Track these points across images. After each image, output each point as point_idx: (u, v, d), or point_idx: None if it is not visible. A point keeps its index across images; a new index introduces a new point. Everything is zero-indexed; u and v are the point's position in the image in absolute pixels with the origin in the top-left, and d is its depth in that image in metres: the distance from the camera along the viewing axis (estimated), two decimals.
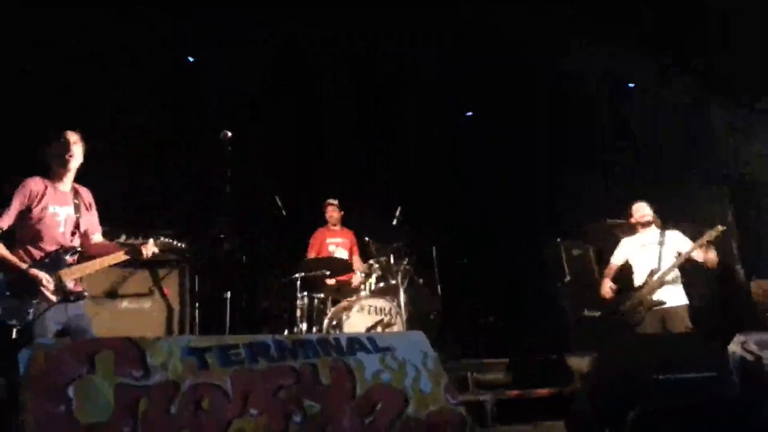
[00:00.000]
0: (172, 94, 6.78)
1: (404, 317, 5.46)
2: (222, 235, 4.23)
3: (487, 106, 7.92)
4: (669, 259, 5.06)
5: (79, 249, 3.45)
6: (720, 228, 4.85)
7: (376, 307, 5.37)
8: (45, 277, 3.17)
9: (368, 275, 5.73)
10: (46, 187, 3.37)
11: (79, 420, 2.01)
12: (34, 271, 3.16)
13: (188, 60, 6.95)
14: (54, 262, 3.27)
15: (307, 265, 5.55)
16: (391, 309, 5.38)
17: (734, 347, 3.58)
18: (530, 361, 5.74)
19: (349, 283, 5.95)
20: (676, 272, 5.01)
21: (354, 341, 2.62)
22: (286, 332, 5.45)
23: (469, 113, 8.65)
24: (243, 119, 6.98)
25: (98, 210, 3.74)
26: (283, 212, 5.86)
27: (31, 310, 3.11)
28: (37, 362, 2.08)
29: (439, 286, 6.44)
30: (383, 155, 7.93)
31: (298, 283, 5.35)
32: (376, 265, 5.74)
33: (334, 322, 5.31)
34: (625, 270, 5.35)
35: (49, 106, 5.71)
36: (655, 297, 4.96)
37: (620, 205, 5.55)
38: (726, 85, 6.67)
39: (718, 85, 6.77)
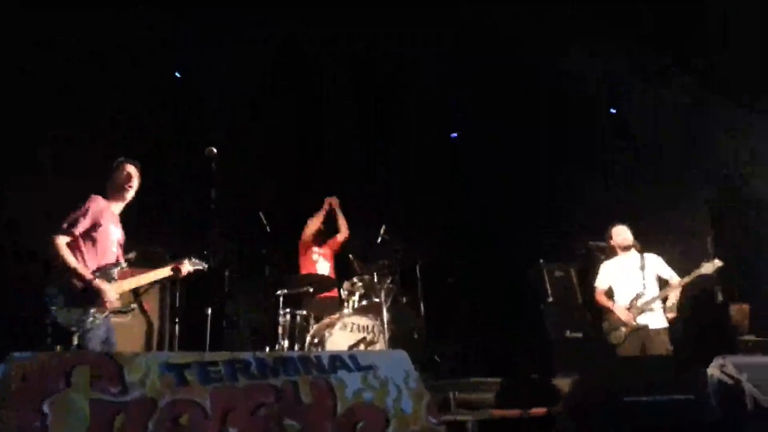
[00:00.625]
0: (171, 95, 6.77)
1: (387, 336, 5.44)
2: (204, 252, 4.21)
3: (486, 108, 7.90)
4: (651, 283, 5.16)
5: (125, 265, 3.73)
6: (717, 263, 4.94)
7: (359, 325, 5.35)
8: (108, 288, 3.48)
9: (351, 293, 5.72)
10: (108, 207, 3.74)
11: None
12: (98, 283, 3.45)
13: (176, 75, 6.93)
14: (105, 276, 3.55)
15: (290, 281, 5.52)
16: (374, 327, 5.36)
17: (713, 370, 3.62)
18: (513, 382, 5.73)
19: (332, 298, 5.93)
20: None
21: (335, 359, 2.61)
22: (267, 349, 5.40)
23: (454, 135, 8.68)
24: (242, 120, 7.01)
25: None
26: (267, 228, 5.84)
27: (90, 319, 3.38)
28: (13, 377, 2.05)
29: (422, 305, 6.44)
30: (373, 170, 7.93)
31: (281, 299, 5.32)
32: (360, 283, 5.73)
33: (317, 340, 5.27)
34: (606, 292, 5.42)
35: (49, 106, 5.72)
36: (638, 320, 5.03)
37: (620, 205, 5.57)
38: (726, 85, 6.68)
39: (718, 85, 6.77)
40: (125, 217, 4.49)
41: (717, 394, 3.57)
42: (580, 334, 6.29)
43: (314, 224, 6.36)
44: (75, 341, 3.33)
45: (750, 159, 7.02)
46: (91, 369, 2.19)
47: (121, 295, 3.62)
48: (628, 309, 5.09)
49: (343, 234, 6.52)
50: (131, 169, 3.85)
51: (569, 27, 6.72)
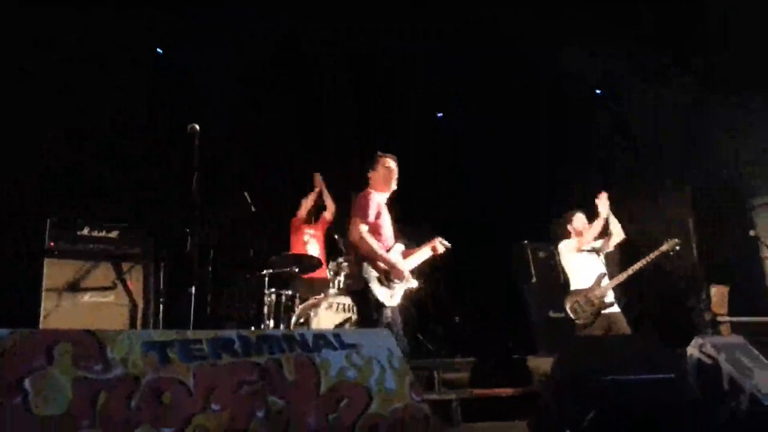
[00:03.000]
0: (167, 91, 6.69)
1: None
2: (188, 230, 4.18)
3: (486, 103, 7.90)
4: (605, 267, 5.35)
5: (404, 247, 4.19)
6: (675, 241, 5.12)
7: (344, 305, 5.37)
8: (404, 267, 3.99)
9: (337, 273, 5.72)
10: (380, 198, 4.18)
11: (35, 413, 1.96)
12: (401, 264, 3.97)
13: (158, 52, 6.84)
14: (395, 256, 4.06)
15: (276, 261, 5.51)
16: None
17: (692, 350, 3.70)
18: (496, 361, 5.79)
19: (319, 279, 5.93)
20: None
21: (319, 337, 2.61)
22: (252, 329, 5.41)
23: (440, 114, 8.66)
24: (235, 106, 6.98)
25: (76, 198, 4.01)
26: (252, 208, 5.81)
27: (397, 294, 3.95)
28: None
29: None
30: (363, 150, 7.90)
31: (266, 279, 5.31)
32: (345, 263, 5.72)
33: (302, 320, 5.29)
34: (561, 274, 5.51)
35: (49, 106, 5.71)
36: (606, 300, 5.13)
37: (620, 205, 5.60)
38: (726, 85, 6.68)
39: (718, 85, 6.76)
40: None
41: (696, 373, 3.65)
42: (562, 314, 6.36)
43: (308, 203, 6.38)
44: (387, 313, 3.88)
45: (750, 159, 7.04)
46: (73, 346, 2.17)
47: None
48: (590, 289, 5.18)
49: (330, 210, 6.52)
50: (390, 162, 4.26)
51: (569, 27, 6.69)
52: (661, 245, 5.14)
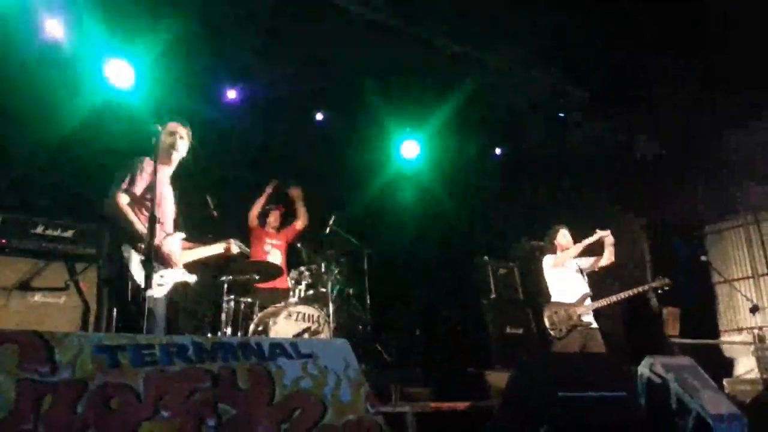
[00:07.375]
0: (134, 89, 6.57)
1: (332, 326, 5.44)
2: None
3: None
4: (587, 284, 5.50)
5: (184, 235, 3.75)
6: (665, 281, 5.32)
7: (304, 315, 5.33)
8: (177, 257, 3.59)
9: (298, 282, 5.68)
10: (160, 171, 3.44)
11: None
12: (167, 248, 3.51)
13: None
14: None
15: (236, 268, 5.43)
16: (319, 317, 5.35)
17: (642, 369, 3.79)
18: (453, 375, 5.83)
19: (280, 288, 5.87)
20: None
21: (276, 346, 2.59)
22: (209, 335, 5.32)
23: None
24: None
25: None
26: (214, 212, 5.73)
27: (162, 285, 3.41)
28: None
29: (368, 297, 6.45)
30: (326, 161, 7.85)
31: (225, 286, 5.23)
32: (307, 272, 5.71)
33: (260, 328, 5.23)
34: (542, 287, 5.62)
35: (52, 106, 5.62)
36: (585, 318, 5.25)
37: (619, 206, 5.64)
38: (726, 85, 6.68)
39: (718, 85, 6.77)
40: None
41: (645, 391, 3.74)
42: (519, 331, 6.43)
43: (258, 206, 6.45)
44: (150, 305, 3.17)
45: (750, 159, 7.15)
46: (19, 347, 2.10)
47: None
48: (573, 305, 5.28)
49: (301, 222, 6.55)
50: (175, 127, 3.68)
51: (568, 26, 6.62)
52: (653, 281, 5.36)
